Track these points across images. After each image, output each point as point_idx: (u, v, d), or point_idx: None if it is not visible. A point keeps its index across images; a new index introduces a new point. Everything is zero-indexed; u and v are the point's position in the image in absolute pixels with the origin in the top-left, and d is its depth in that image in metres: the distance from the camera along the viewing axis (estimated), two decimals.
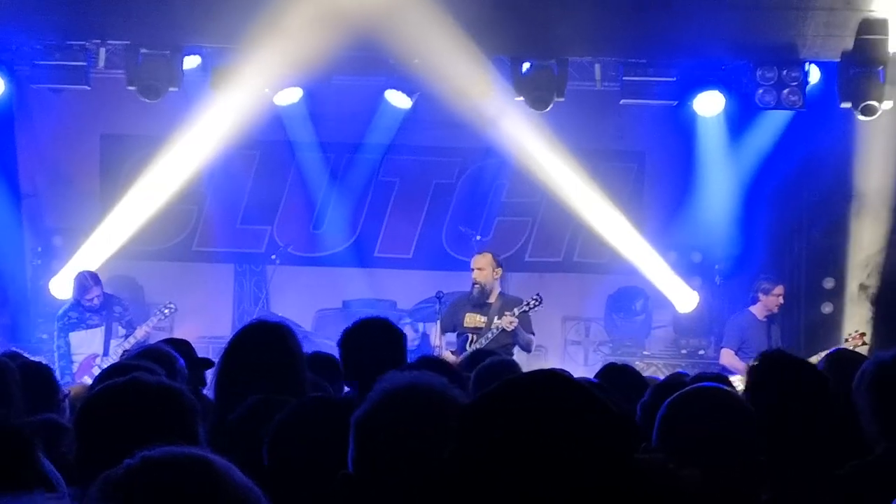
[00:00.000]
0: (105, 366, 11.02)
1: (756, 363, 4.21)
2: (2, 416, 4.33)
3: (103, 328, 11.68)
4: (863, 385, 4.02)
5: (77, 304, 11.73)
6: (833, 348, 10.50)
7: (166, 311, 11.96)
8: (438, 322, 11.39)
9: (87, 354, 11.55)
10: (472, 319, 11.07)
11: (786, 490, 3.47)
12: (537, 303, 11.03)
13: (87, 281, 11.73)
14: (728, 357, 11.90)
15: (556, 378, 2.05)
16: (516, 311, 10.88)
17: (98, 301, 11.69)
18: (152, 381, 3.26)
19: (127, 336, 11.61)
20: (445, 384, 2.78)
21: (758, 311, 12.13)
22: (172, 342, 6.19)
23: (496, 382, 2.06)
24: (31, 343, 12.67)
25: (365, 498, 2.66)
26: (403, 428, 2.66)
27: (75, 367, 11.49)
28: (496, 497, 1.91)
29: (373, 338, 5.36)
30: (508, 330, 10.80)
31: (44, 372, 5.83)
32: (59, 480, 2.23)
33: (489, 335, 10.84)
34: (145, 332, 11.58)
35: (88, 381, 10.73)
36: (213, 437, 4.21)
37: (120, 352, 11.41)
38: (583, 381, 2.09)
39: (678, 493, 2.97)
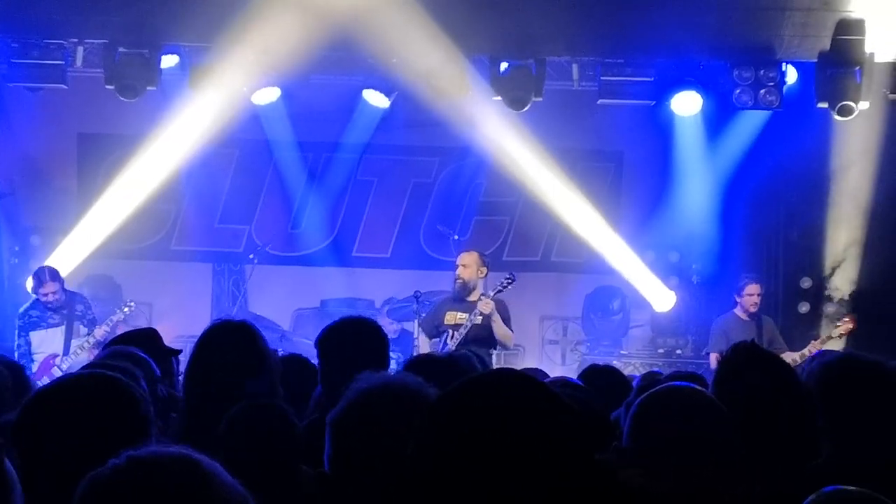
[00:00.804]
0: (65, 366, 10.92)
1: (726, 356, 4.18)
2: None
3: (64, 327, 11.43)
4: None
5: (37, 301, 11.49)
6: (818, 350, 10.56)
7: (126, 309, 11.68)
8: (417, 324, 11.38)
9: (47, 354, 11.30)
10: (453, 317, 11.04)
11: (753, 485, 3.47)
12: (510, 281, 11.04)
13: (43, 275, 11.48)
14: (715, 362, 11.89)
15: (521, 377, 2.06)
16: (491, 293, 10.90)
17: (54, 297, 11.41)
18: (90, 374, 3.17)
19: (89, 334, 11.38)
20: (420, 383, 2.78)
21: (740, 311, 12.17)
22: (138, 334, 6.06)
23: (459, 380, 2.07)
24: (8, 342, 12.60)
25: (340, 496, 2.66)
26: (378, 427, 2.66)
27: (35, 367, 11.23)
28: (462, 495, 1.91)
29: (355, 341, 5.25)
30: (486, 312, 10.75)
31: (14, 370, 5.80)
32: (17, 485, 2.22)
33: (467, 325, 10.83)
34: (104, 332, 11.28)
35: (48, 381, 10.64)
36: (184, 437, 4.20)
37: (79, 352, 11.22)
38: (553, 381, 2.10)
39: (645, 494, 2.98)
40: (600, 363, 6.97)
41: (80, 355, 11.25)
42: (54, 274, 11.57)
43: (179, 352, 5.95)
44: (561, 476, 1.92)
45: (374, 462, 2.61)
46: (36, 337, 11.41)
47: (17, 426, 2.95)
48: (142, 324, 13.43)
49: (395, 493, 2.12)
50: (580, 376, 6.21)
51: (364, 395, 2.73)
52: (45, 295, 11.38)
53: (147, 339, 5.78)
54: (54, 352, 11.31)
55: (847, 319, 12.11)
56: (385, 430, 2.64)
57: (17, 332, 11.55)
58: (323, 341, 5.22)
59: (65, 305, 11.49)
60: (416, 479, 1.95)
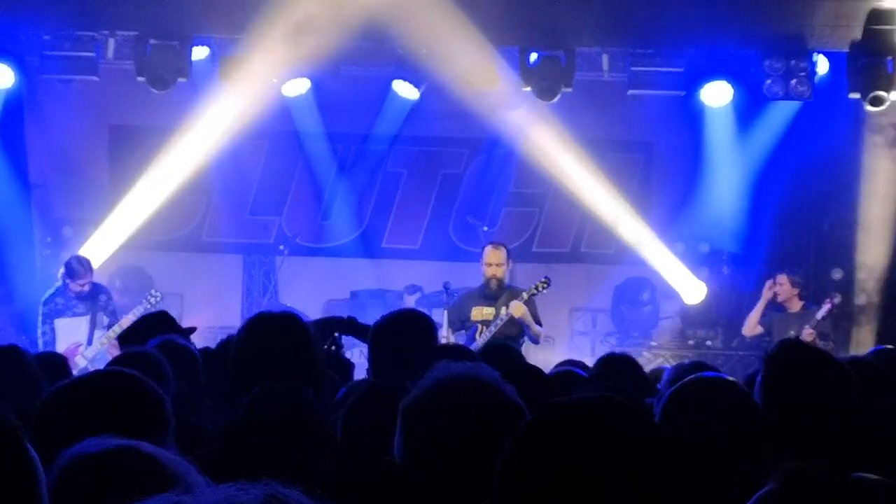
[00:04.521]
0: (89, 355, 10.88)
1: (774, 354, 4.09)
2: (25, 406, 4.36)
3: (89, 317, 11.29)
4: None
5: (64, 289, 11.34)
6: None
7: (152, 299, 11.35)
8: (445, 314, 11.36)
9: (71, 343, 11.08)
10: (479, 312, 10.97)
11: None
12: (545, 285, 10.92)
13: (80, 266, 11.34)
14: None
15: (620, 406, 1.99)
16: (524, 294, 10.78)
17: (87, 288, 11.30)
18: (109, 371, 3.21)
19: (110, 325, 11.17)
20: (498, 379, 2.75)
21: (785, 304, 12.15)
22: (152, 318, 6.02)
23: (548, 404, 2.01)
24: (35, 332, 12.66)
25: (409, 487, 2.64)
26: (451, 418, 2.62)
27: None
28: None
29: (408, 330, 5.29)
30: (517, 316, 10.69)
31: (58, 361, 5.85)
32: (40, 469, 2.27)
33: (498, 322, 10.77)
34: (130, 322, 11.20)
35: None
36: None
37: (104, 341, 11.15)
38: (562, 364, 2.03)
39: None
40: (618, 352, 6.90)
41: (105, 345, 11.20)
42: (89, 265, 11.47)
43: (194, 330, 5.94)
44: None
45: (447, 454, 2.59)
46: (61, 324, 11.28)
47: (37, 420, 2.96)
48: (173, 315, 13.47)
49: None
50: (596, 365, 6.20)
51: (442, 385, 2.70)
52: (83, 286, 11.29)
53: (161, 322, 5.79)
54: (78, 341, 11.14)
55: (827, 300, 12.08)
56: (459, 422, 2.61)
57: (40, 319, 11.42)
58: (376, 332, 5.24)
59: (90, 295, 11.38)
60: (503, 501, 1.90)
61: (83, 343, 11.18)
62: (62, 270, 11.50)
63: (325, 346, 5.68)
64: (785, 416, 3.79)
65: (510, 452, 1.94)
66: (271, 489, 1.52)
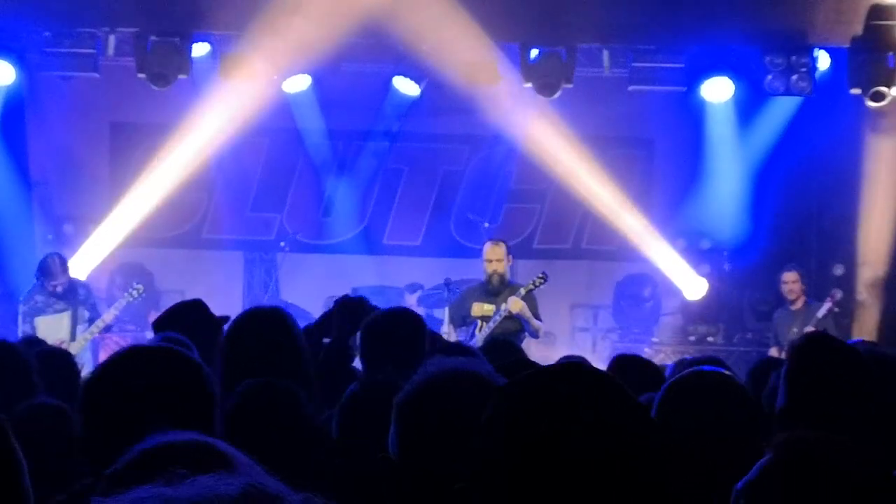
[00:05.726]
0: (73, 351, 10.85)
1: (800, 345, 4.04)
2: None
3: (69, 313, 11.24)
4: None
5: (42, 287, 11.28)
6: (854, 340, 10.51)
7: (134, 293, 11.43)
8: (447, 311, 11.37)
9: (55, 340, 10.58)
10: (480, 308, 11.00)
11: None
12: (542, 281, 10.96)
13: (55, 266, 11.27)
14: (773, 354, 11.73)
15: (598, 375, 1.93)
16: (522, 290, 10.83)
17: (62, 288, 11.24)
18: (163, 347, 3.15)
19: (92, 320, 11.21)
20: (491, 372, 2.75)
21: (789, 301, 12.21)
22: (187, 306, 6.01)
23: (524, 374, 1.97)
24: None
25: (405, 482, 2.64)
26: (446, 413, 2.62)
27: None
28: (535, 495, 1.84)
29: (398, 328, 5.32)
30: (515, 312, 10.72)
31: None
32: (24, 466, 2.26)
33: (496, 318, 10.80)
34: (113, 316, 11.24)
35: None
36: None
37: (88, 337, 11.15)
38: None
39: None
40: (628, 353, 6.83)
41: (88, 340, 11.20)
42: (65, 264, 11.42)
43: (227, 319, 5.96)
44: (640, 482, 1.84)
45: (442, 449, 2.59)
46: (42, 323, 11.18)
47: (87, 388, 2.93)
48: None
49: (467, 489, 2.03)
50: (609, 367, 6.17)
51: (435, 380, 2.70)
52: (56, 286, 11.23)
53: (196, 309, 5.77)
54: (60, 338, 10.93)
55: (828, 298, 12.11)
56: (453, 417, 2.61)
57: (20, 318, 11.34)
58: (368, 329, 5.26)
59: (69, 291, 11.32)
60: (486, 481, 1.88)
61: (66, 340, 11.05)
62: (40, 269, 11.38)
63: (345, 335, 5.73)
64: (808, 407, 3.78)
65: (480, 431, 1.91)
66: (250, 479, 1.51)
